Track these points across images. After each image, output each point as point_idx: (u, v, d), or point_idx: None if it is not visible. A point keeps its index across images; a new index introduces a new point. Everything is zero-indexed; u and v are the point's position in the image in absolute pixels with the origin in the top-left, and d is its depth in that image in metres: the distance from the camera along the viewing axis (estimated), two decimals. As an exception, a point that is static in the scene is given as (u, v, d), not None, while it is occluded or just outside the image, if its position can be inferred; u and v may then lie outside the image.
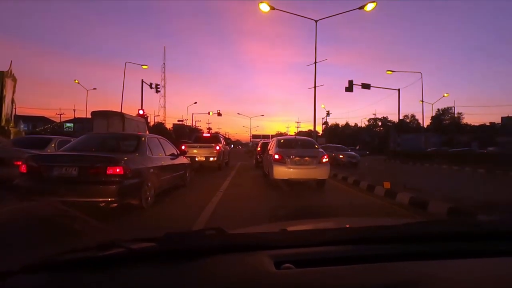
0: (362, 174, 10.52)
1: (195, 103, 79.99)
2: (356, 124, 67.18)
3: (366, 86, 26.06)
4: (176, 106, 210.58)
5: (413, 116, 58.70)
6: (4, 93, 13.54)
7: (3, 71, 13.62)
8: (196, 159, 12.03)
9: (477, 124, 53.25)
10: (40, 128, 39.96)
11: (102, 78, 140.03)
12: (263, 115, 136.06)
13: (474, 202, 5.55)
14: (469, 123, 54.63)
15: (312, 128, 21.23)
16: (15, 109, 15.29)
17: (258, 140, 33.92)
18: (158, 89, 30.79)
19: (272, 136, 37.39)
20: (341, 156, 17.44)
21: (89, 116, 17.27)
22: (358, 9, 15.59)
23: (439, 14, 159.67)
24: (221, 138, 15.04)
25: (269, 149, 9.13)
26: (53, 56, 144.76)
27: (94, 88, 55.56)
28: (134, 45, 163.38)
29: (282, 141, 9.07)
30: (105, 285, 0.77)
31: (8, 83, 13.86)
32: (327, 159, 7.84)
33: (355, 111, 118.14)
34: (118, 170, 4.39)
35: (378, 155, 33.86)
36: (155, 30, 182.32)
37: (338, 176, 10.61)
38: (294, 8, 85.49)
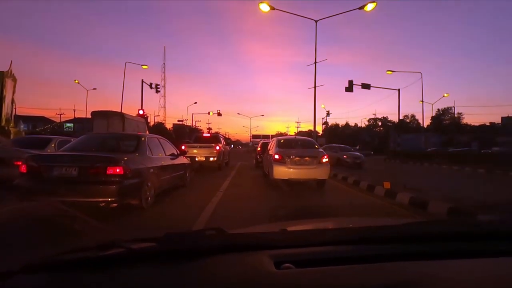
0: (362, 174, 10.52)
1: (195, 103, 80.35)
2: (356, 124, 67.18)
3: (366, 86, 26.07)
4: (176, 106, 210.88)
5: (413, 116, 58.71)
6: (4, 93, 13.55)
7: (3, 71, 13.62)
8: (196, 159, 12.03)
9: (477, 124, 53.29)
10: (40, 128, 39.96)
11: (102, 78, 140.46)
12: (263, 115, 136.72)
13: (474, 202, 5.55)
14: (469, 123, 54.65)
15: (312, 128, 21.26)
16: (15, 109, 15.29)
17: (258, 140, 33.94)
18: (158, 89, 30.80)
19: (272, 136, 37.42)
20: (345, 157, 16.63)
21: (89, 116, 17.28)
22: (358, 9, 15.60)
23: (439, 14, 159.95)
24: (221, 138, 15.04)
25: (269, 149, 9.13)
26: (53, 56, 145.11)
27: (94, 88, 55.66)
28: (134, 45, 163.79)
29: (282, 141, 9.07)
30: (105, 285, 0.77)
31: (8, 83, 13.86)
32: (327, 159, 7.84)
33: (355, 111, 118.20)
34: (118, 170, 4.39)
35: (378, 155, 33.87)
36: (155, 30, 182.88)
37: (338, 176, 10.61)
38: (294, 8, 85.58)
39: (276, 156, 7.67)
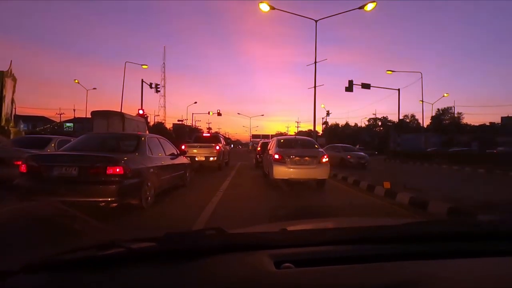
0: (362, 174, 10.52)
1: (195, 103, 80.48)
2: (356, 124, 67.27)
3: (366, 86, 26.05)
4: (176, 106, 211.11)
5: (413, 116, 58.77)
6: (4, 93, 13.55)
7: (3, 71, 13.62)
8: (196, 159, 12.03)
9: (477, 124, 53.32)
10: (40, 128, 39.94)
11: (102, 78, 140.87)
12: (263, 115, 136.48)
13: (474, 202, 5.55)
14: (469, 123, 54.69)
15: (312, 128, 21.25)
16: (15, 109, 15.30)
17: (258, 140, 33.95)
18: (158, 89, 30.80)
19: (272, 136, 37.42)
20: (349, 157, 16.09)
21: (89, 116, 17.25)
22: (358, 9, 15.58)
23: (439, 14, 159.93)
24: (221, 138, 15.04)
25: (269, 149, 9.13)
26: (53, 56, 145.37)
27: (94, 88, 55.46)
28: (134, 45, 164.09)
29: (282, 141, 9.06)
30: (105, 285, 0.77)
31: (8, 83, 13.86)
32: (327, 159, 7.83)
33: (355, 111, 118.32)
34: (118, 170, 4.39)
35: (378, 155, 33.89)
36: (155, 30, 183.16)
37: (338, 176, 10.61)
38: (294, 8, 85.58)
39: (276, 156, 7.66)
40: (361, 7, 15.30)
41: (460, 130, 47.94)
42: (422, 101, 32.06)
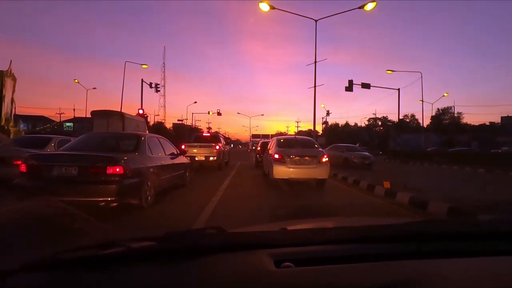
0: (362, 174, 10.51)
1: (195, 102, 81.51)
2: (356, 124, 67.30)
3: (366, 85, 26.05)
4: (176, 106, 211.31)
5: (413, 115, 58.90)
6: (4, 92, 13.52)
7: (3, 71, 13.60)
8: (196, 158, 12.03)
9: (477, 124, 53.37)
10: (39, 127, 39.94)
11: (102, 78, 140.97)
12: (263, 115, 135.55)
13: (474, 202, 5.55)
14: (469, 123, 54.76)
15: (312, 127, 21.25)
16: (14, 108, 15.26)
17: (258, 139, 33.94)
18: (158, 89, 30.81)
19: (272, 136, 37.42)
20: (353, 157, 15.74)
21: (89, 115, 17.25)
22: (358, 9, 15.57)
23: (439, 14, 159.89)
24: (221, 138, 15.04)
25: (269, 149, 9.13)
26: (53, 56, 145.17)
27: (94, 88, 55.66)
28: (134, 45, 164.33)
29: (282, 140, 9.07)
30: (105, 284, 0.77)
31: (8, 82, 13.84)
32: (327, 159, 7.83)
33: (355, 111, 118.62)
34: (118, 169, 4.39)
35: (378, 155, 33.90)
36: (155, 30, 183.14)
37: (338, 175, 10.61)
38: (294, 7, 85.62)
39: (276, 156, 7.66)
40: (361, 7, 15.29)
41: (460, 130, 48.02)
42: (422, 101, 32.11)
